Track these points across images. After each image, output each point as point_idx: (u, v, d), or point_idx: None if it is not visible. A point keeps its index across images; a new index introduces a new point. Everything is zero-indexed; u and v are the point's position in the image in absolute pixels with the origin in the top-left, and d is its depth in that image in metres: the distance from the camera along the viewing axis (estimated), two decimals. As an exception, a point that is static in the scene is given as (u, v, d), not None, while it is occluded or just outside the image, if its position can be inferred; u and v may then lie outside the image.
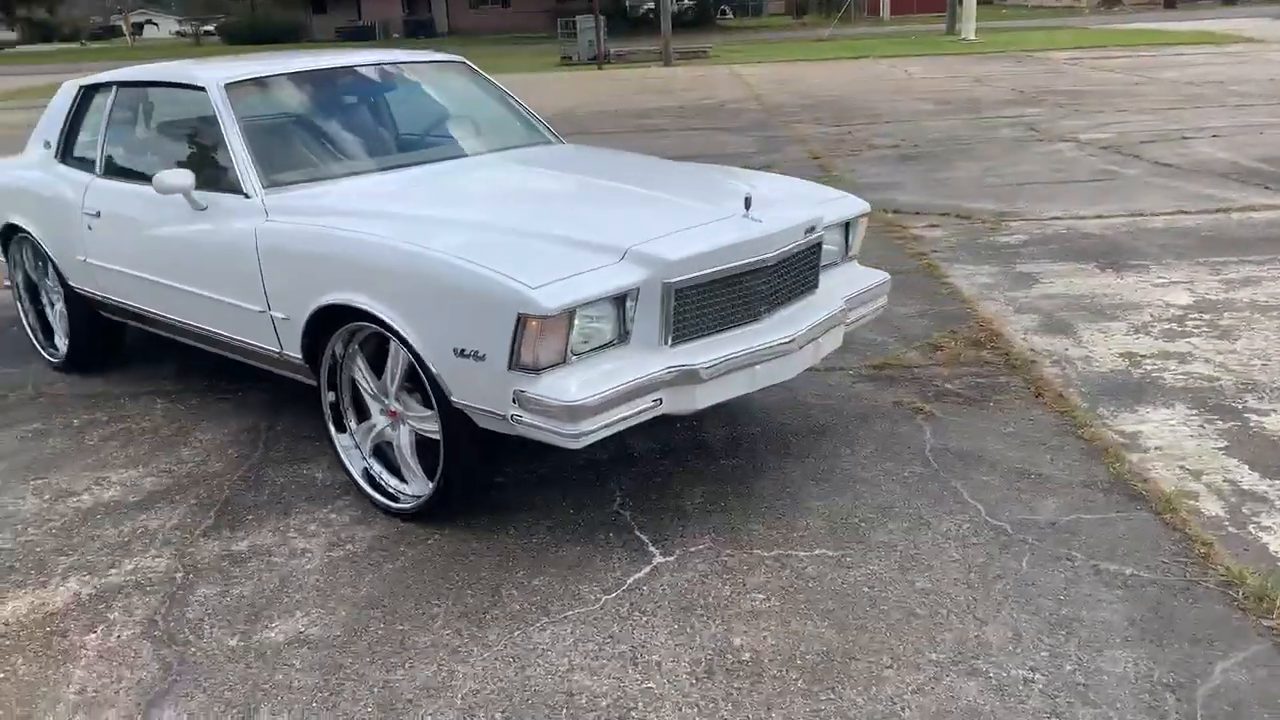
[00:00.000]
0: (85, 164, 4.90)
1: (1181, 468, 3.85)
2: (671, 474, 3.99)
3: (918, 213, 8.34)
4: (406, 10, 58.26)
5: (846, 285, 4.03)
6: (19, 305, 5.69)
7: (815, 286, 3.87)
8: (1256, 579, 3.11)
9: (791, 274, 3.69)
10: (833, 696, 2.72)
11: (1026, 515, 3.57)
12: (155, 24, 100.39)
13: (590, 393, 3.07)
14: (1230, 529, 3.43)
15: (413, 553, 3.54)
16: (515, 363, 3.09)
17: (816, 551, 3.42)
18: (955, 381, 4.78)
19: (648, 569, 3.36)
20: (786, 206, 3.76)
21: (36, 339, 5.60)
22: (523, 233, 3.44)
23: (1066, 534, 3.44)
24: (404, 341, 3.35)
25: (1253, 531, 3.41)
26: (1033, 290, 6.09)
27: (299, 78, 4.49)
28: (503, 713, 2.72)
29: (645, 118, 15.91)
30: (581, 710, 2.71)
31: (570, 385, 3.09)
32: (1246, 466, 3.83)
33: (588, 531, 3.60)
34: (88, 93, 5.04)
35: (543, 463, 4.08)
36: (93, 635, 3.14)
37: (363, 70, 4.76)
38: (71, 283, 5.03)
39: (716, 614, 3.10)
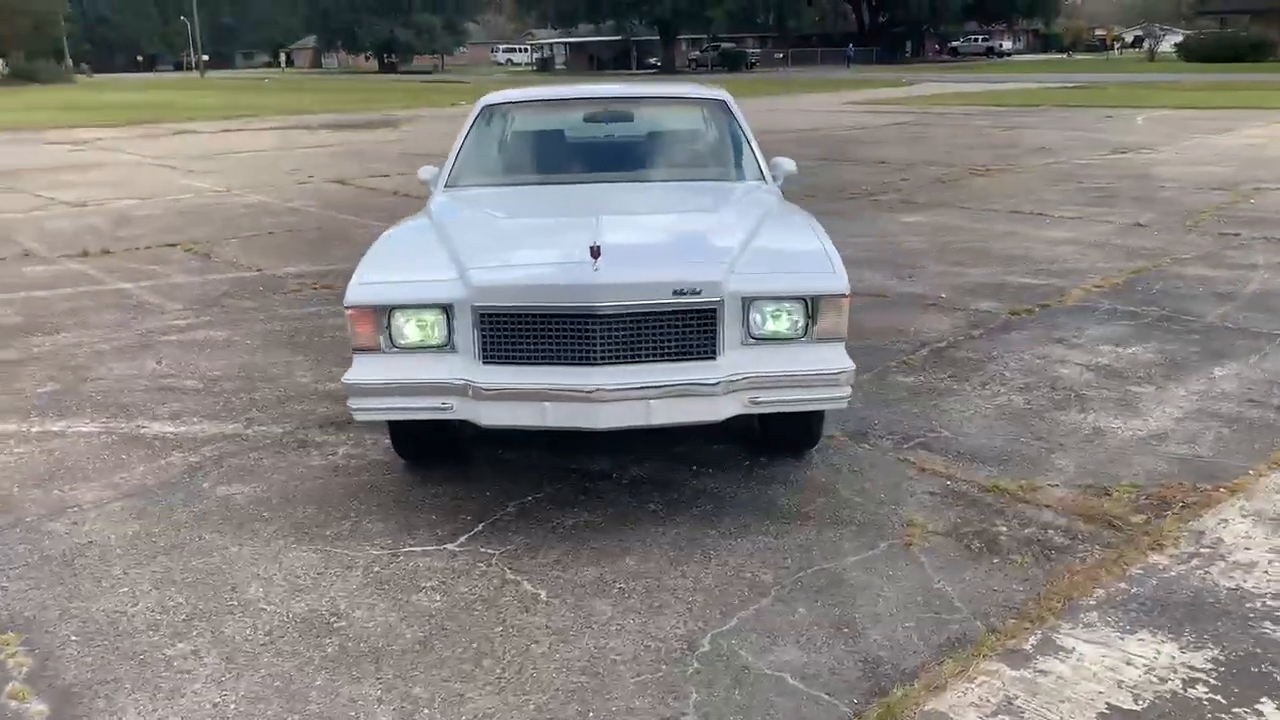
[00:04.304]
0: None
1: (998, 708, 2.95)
2: (600, 496, 4.23)
3: None
4: None
5: (768, 364, 3.77)
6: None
7: (709, 353, 3.75)
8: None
9: (649, 331, 3.69)
10: (332, 679, 3.09)
11: (743, 653, 3.20)
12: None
13: (363, 379, 3.76)
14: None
15: (366, 477, 4.52)
16: (351, 342, 3.91)
17: (539, 592, 3.57)
18: (1025, 529, 3.94)
19: (428, 548, 3.89)
20: (656, 263, 3.74)
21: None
22: (459, 242, 4.11)
23: (725, 681, 3.06)
24: None
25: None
26: None
27: (544, 104, 5.50)
28: (182, 583, 3.68)
29: None
30: (206, 599, 3.55)
31: (359, 369, 3.81)
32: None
33: (460, 509, 4.18)
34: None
35: (550, 452, 4.60)
36: (145, 453, 4.80)
37: (608, 101, 5.55)
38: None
39: (387, 593, 3.57)
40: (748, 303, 3.76)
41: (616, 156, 5.44)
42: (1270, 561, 3.60)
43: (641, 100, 5.72)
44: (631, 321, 3.65)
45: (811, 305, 3.80)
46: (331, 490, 4.38)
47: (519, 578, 3.63)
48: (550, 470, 4.48)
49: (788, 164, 5.42)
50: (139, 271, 8.86)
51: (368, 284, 3.82)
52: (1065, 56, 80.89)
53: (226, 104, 37.79)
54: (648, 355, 3.70)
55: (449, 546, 3.87)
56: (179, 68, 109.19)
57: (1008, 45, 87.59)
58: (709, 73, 67.33)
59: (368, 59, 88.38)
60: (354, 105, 35.14)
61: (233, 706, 2.96)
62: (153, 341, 6.66)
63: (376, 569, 3.72)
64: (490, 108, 5.49)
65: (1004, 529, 3.91)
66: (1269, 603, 3.35)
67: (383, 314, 3.78)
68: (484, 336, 3.72)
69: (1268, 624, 3.23)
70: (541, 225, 4.45)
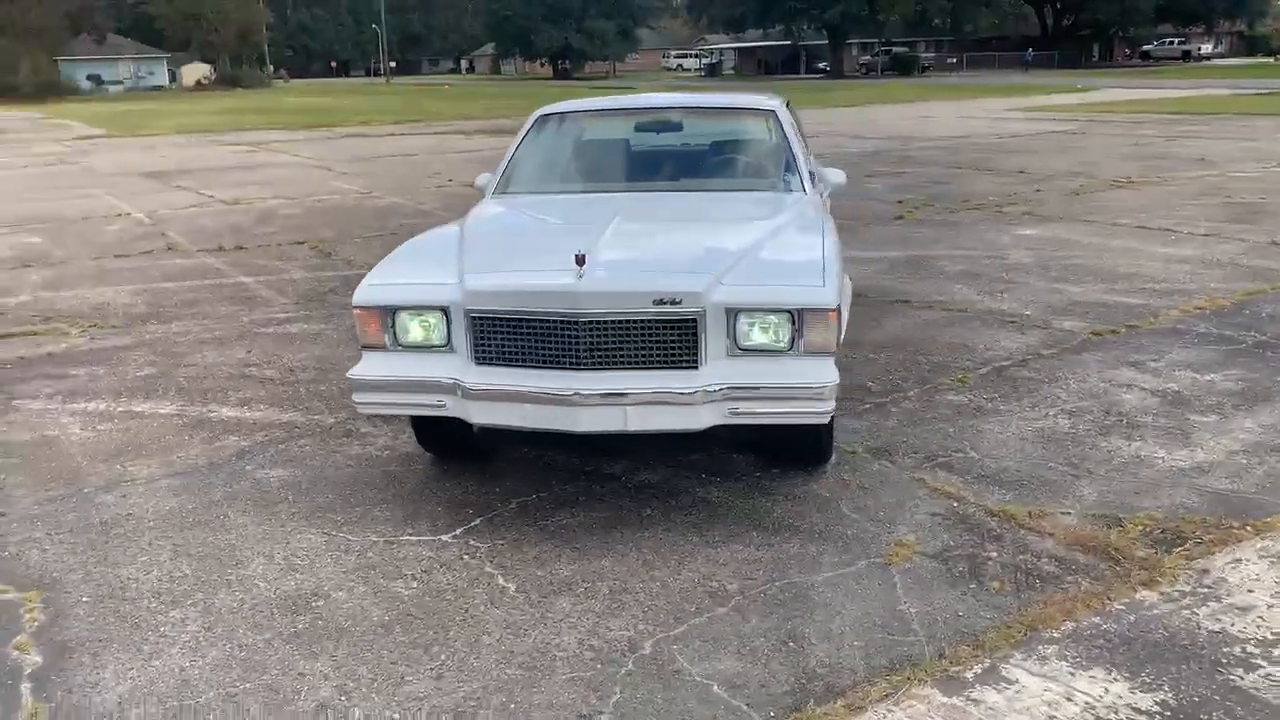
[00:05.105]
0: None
1: (931, 726, 2.92)
2: (601, 499, 4.32)
3: None
4: None
5: (751, 375, 3.80)
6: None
7: (691, 363, 3.81)
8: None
9: (631, 339, 3.77)
10: (292, 654, 3.32)
11: (680, 659, 3.25)
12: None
13: (366, 374, 3.99)
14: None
15: (393, 468, 4.77)
16: (360, 339, 4.16)
17: (509, 586, 3.70)
18: (1018, 556, 3.82)
19: (423, 538, 4.07)
20: (639, 273, 3.82)
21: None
22: (470, 246, 4.30)
23: (653, 684, 3.13)
24: None
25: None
26: None
27: (597, 114, 5.64)
28: (195, 556, 3.99)
29: None
30: (210, 572, 3.84)
31: (365, 365, 4.04)
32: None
33: (465, 503, 4.36)
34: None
35: (567, 453, 4.72)
36: (206, 435, 5.17)
37: (659, 110, 5.63)
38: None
39: (370, 578, 3.77)
40: (732, 314, 3.79)
41: (660, 166, 5.52)
42: (1269, 606, 3.40)
43: (691, 110, 5.78)
44: (613, 329, 3.74)
45: (797, 319, 3.79)
46: (357, 478, 4.63)
47: (495, 571, 3.77)
48: (563, 471, 4.60)
49: (836, 175, 5.39)
50: (263, 267, 9.47)
51: (375, 285, 4.04)
52: (1272, 60, 75.41)
53: (401, 108, 39.58)
54: (630, 362, 3.77)
55: (443, 538, 4.05)
56: (369, 73, 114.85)
57: (1206, 48, 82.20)
58: (878, 77, 66.16)
59: (543, 65, 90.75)
60: (519, 110, 36.12)
61: (196, 672, 3.21)
62: (250, 332, 7.14)
63: (370, 554, 3.93)
64: (544, 117, 5.66)
65: (994, 555, 3.81)
66: (1249, 649, 3.16)
67: (387, 314, 3.99)
68: (475, 338, 3.88)
69: (1239, 671, 3.05)
70: (552, 232, 4.59)
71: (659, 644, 3.29)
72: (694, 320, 3.74)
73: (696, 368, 3.78)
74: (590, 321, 3.72)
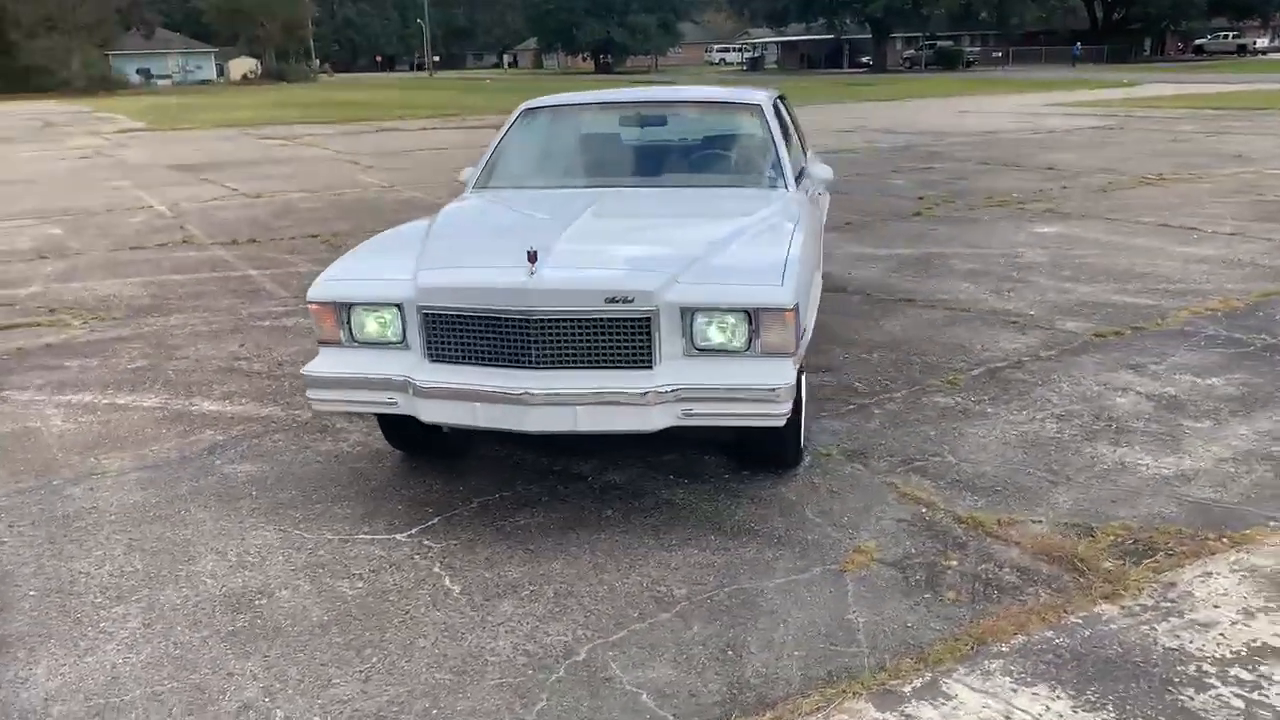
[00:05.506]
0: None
1: (859, 742, 2.82)
2: (564, 499, 4.25)
3: None
4: None
5: (706, 376, 3.71)
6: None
7: (645, 362, 3.73)
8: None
9: (583, 337, 3.70)
10: (225, 652, 3.30)
11: (613, 666, 3.18)
12: None
13: (320, 371, 3.96)
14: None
15: (362, 465, 4.73)
16: (316, 335, 4.12)
17: (455, 588, 3.66)
18: (980, 565, 3.71)
19: (378, 537, 4.03)
20: (591, 271, 3.74)
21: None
22: (432, 242, 4.26)
23: (581, 692, 3.07)
24: None
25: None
26: None
27: (580, 108, 5.57)
28: (149, 551, 3.98)
29: None
30: (160, 568, 3.83)
31: (320, 361, 4.00)
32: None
33: (426, 502, 4.31)
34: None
35: (540, 452, 4.67)
36: (183, 429, 5.17)
37: (645, 105, 5.55)
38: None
39: (317, 577, 3.74)
40: (688, 313, 3.70)
41: (641, 161, 5.43)
42: (1233, 623, 3.25)
43: (676, 105, 5.69)
44: (566, 328, 3.67)
45: (754, 318, 3.69)
46: (324, 475, 4.60)
47: (444, 572, 3.72)
48: (530, 470, 4.54)
49: (824, 171, 5.28)
50: (272, 260, 9.51)
51: (331, 280, 4.00)
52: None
53: (441, 103, 39.74)
54: (583, 362, 3.70)
55: (398, 537, 4.00)
56: (413, 68, 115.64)
57: (1263, 42, 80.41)
58: (922, 71, 65.46)
59: (584, 59, 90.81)
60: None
61: (127, 670, 3.19)
62: (246, 325, 7.16)
63: (321, 553, 3.89)
64: (529, 110, 5.60)
65: (955, 563, 3.70)
66: (1205, 668, 3.03)
67: (343, 310, 3.95)
68: (429, 335, 3.83)
69: (1189, 691, 2.92)
70: (516, 227, 4.52)
71: (595, 650, 3.22)
72: (647, 319, 3.66)
73: (651, 368, 3.70)
74: (542, 320, 3.65)
